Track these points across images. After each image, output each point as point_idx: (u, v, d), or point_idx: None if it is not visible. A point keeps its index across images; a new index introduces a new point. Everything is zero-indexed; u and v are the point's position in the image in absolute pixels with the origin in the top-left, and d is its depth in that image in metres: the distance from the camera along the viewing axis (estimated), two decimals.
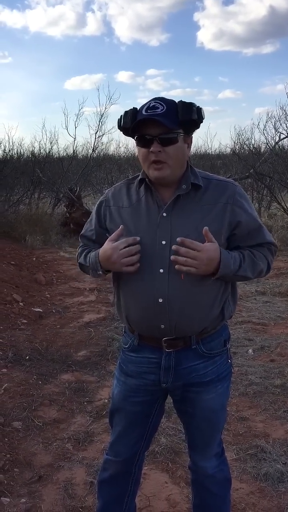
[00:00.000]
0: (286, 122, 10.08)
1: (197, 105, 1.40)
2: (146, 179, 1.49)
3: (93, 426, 2.75)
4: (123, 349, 1.62)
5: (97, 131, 11.18)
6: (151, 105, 1.39)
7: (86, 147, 12.54)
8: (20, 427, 2.70)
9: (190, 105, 1.39)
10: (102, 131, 11.22)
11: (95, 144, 11.36)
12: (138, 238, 1.42)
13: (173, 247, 1.37)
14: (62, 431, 2.71)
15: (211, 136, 24.13)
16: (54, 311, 4.96)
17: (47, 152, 11.92)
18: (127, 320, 1.55)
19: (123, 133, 1.47)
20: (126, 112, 1.45)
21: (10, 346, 3.83)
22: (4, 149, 10.78)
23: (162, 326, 1.46)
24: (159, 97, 1.42)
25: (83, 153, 13.15)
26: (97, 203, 1.62)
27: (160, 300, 1.43)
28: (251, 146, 11.28)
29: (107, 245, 1.45)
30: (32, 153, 11.88)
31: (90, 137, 17.21)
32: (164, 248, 1.41)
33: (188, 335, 1.49)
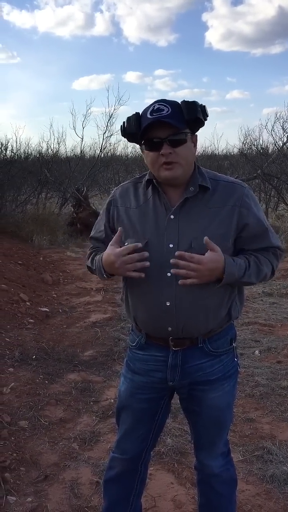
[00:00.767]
0: None
1: (200, 103, 1.40)
2: (154, 181, 1.48)
3: (99, 426, 2.76)
4: (130, 347, 1.63)
5: (105, 131, 11.24)
6: (155, 108, 1.37)
7: (94, 148, 12.61)
8: (26, 426, 2.71)
9: (194, 103, 1.38)
10: (110, 132, 11.29)
11: (103, 144, 11.42)
12: (140, 244, 1.40)
13: (171, 261, 1.35)
14: (68, 430, 2.72)
15: (218, 137, 24.12)
16: (60, 310, 4.98)
17: (55, 152, 11.98)
18: (135, 320, 1.56)
19: (128, 139, 1.46)
20: (128, 118, 1.43)
21: (17, 345, 3.85)
22: (12, 149, 10.83)
23: (169, 328, 1.46)
24: (161, 99, 1.41)
25: (90, 153, 13.21)
26: (106, 202, 1.61)
27: (168, 303, 1.43)
28: (259, 146, 11.27)
29: (109, 249, 1.44)
30: (40, 153, 11.95)
31: (98, 138, 17.27)
32: (172, 251, 1.39)
33: (195, 336, 1.49)
